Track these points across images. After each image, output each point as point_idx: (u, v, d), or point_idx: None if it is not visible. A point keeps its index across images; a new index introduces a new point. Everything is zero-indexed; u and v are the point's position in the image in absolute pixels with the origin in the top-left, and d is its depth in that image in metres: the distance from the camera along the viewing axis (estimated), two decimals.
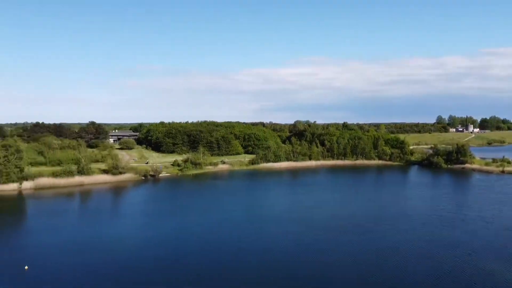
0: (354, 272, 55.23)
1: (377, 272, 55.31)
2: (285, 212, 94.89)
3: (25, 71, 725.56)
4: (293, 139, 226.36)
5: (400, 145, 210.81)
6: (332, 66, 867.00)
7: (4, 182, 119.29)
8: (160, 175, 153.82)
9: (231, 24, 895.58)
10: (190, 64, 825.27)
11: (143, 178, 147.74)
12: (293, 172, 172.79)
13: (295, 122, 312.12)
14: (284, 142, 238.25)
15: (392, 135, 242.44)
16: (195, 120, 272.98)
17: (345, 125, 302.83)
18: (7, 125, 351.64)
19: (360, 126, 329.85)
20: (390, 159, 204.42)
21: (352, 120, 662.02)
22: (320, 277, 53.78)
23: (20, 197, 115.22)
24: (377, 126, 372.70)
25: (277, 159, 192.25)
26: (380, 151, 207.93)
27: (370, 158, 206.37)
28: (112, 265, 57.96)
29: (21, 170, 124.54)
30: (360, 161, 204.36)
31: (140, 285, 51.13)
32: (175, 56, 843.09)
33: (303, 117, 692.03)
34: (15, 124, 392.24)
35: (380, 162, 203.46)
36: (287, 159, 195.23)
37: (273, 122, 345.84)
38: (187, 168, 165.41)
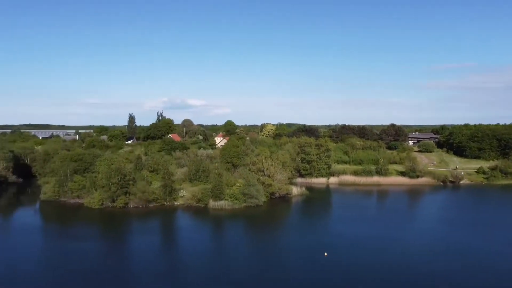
0: None
1: None
2: None
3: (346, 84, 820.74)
4: None
5: None
6: None
7: (316, 176, 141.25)
8: (461, 182, 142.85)
9: None
10: (504, 57, 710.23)
11: (441, 183, 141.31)
12: None
13: None
14: None
15: None
16: (508, 122, 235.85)
17: None
18: (321, 126, 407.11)
19: None
20: None
21: None
22: None
23: (327, 189, 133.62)
24: None
25: None
26: None
27: None
28: (395, 267, 59.61)
29: (329, 167, 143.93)
30: None
31: None
32: (481, 52, 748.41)
33: None
34: (329, 125, 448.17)
35: None
36: None
37: None
38: (494, 177, 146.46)
